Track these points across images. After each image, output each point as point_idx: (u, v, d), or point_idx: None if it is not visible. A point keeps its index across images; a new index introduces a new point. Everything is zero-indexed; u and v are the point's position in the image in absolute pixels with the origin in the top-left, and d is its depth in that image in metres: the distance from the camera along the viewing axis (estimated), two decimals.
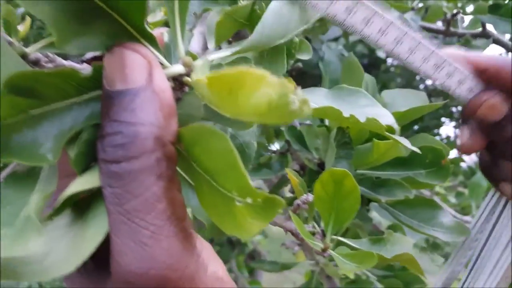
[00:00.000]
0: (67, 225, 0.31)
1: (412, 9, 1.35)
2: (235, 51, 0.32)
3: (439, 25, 1.38)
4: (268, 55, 0.38)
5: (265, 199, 0.26)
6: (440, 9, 1.33)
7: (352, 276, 0.42)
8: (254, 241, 2.68)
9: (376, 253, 0.43)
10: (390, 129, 0.43)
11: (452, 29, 1.31)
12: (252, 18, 0.42)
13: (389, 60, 2.56)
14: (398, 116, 0.52)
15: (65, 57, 0.38)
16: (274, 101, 0.22)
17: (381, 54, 1.66)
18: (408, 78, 2.47)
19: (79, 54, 0.30)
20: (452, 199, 1.80)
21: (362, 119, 0.42)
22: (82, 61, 0.38)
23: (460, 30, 1.32)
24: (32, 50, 0.36)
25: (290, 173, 0.47)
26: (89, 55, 0.39)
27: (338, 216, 0.41)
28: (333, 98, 0.43)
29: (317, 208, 0.44)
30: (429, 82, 2.57)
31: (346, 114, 0.43)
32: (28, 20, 0.39)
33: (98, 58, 0.40)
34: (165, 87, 0.29)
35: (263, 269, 0.77)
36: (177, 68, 0.32)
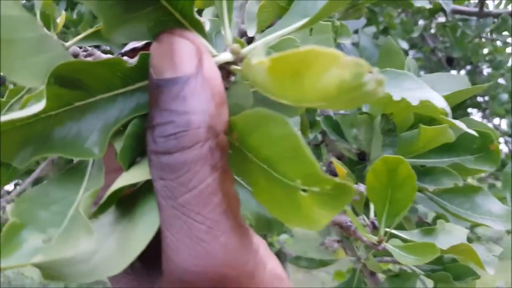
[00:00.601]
0: (113, 222, 0.30)
1: None
2: (287, 32, 0.30)
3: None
4: (314, 34, 0.36)
5: (335, 186, 0.24)
6: None
7: (401, 263, 0.40)
8: (280, 240, 2.66)
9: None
10: (442, 113, 0.41)
11: (485, 9, 1.25)
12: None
13: (411, 53, 2.49)
14: None
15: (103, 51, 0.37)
16: (346, 82, 0.20)
17: (404, 45, 1.61)
18: (432, 69, 2.40)
19: (122, 43, 0.28)
20: None
21: (414, 102, 0.40)
22: (122, 54, 0.37)
23: (494, 10, 1.26)
24: (71, 44, 0.35)
25: (336, 163, 0.45)
26: (128, 47, 0.38)
27: (392, 207, 0.39)
28: None
29: (370, 199, 0.41)
30: (453, 72, 2.49)
31: (396, 97, 0.40)
32: (63, 14, 0.38)
33: (137, 50, 0.39)
34: (215, 74, 0.27)
35: (300, 266, 0.75)
36: (225, 56, 0.30)
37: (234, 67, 0.31)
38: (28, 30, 0.23)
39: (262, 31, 0.62)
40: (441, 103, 0.40)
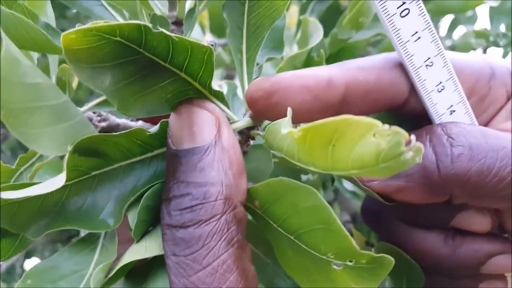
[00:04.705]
0: None
1: None
2: None
3: None
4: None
5: (371, 260, 0.22)
6: (468, 46, 1.29)
7: None
8: None
9: None
10: None
11: None
12: (307, 63, 0.40)
13: None
14: None
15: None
16: (383, 151, 0.19)
17: None
18: None
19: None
20: None
21: None
22: (137, 119, 0.36)
23: None
24: (85, 109, 0.35)
25: (355, 231, 0.43)
26: None
27: (410, 281, 0.37)
28: None
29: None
30: None
31: None
32: (76, 80, 0.38)
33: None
34: (234, 143, 0.27)
35: None
36: (245, 122, 0.30)
37: (253, 131, 0.31)
38: (51, 98, 0.23)
39: None
40: None
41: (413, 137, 0.19)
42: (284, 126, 0.22)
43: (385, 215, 0.34)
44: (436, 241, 0.31)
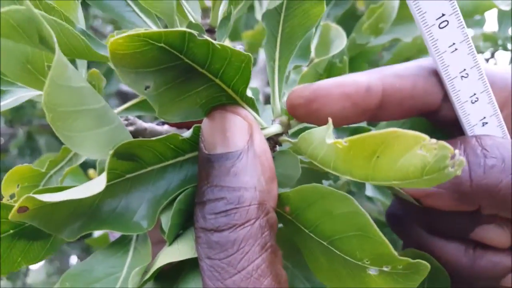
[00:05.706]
0: None
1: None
2: None
3: None
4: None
5: (408, 265, 0.23)
6: (477, 49, 1.29)
7: None
8: None
9: None
10: None
11: None
12: (330, 69, 0.41)
13: None
14: None
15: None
16: (429, 164, 0.19)
17: None
18: None
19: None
20: None
21: None
22: (163, 123, 0.37)
23: None
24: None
25: None
26: None
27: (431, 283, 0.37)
28: None
29: None
30: None
31: None
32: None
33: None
34: (266, 149, 0.27)
35: None
36: (275, 128, 0.30)
37: (282, 138, 0.31)
38: (93, 102, 0.23)
39: None
40: None
41: (457, 151, 0.19)
42: (328, 137, 0.22)
43: (408, 221, 0.34)
44: (457, 251, 0.32)
